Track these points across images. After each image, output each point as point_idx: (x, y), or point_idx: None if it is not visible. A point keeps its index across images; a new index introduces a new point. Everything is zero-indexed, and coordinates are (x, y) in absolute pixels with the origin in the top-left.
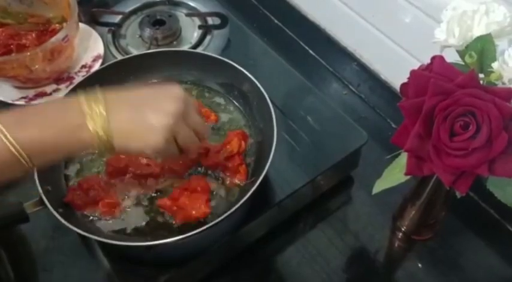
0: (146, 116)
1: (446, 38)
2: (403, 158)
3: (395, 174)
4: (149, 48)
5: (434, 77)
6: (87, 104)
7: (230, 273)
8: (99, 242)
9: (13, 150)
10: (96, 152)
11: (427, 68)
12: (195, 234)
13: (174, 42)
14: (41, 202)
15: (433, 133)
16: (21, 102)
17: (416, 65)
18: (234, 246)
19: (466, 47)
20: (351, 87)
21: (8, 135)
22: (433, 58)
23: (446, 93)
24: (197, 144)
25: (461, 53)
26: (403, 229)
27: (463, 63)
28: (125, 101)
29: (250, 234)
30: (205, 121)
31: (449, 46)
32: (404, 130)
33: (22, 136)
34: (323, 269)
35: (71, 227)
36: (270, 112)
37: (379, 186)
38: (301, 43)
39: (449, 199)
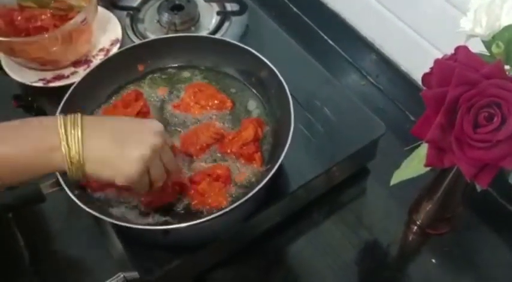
0: (125, 146)
1: (473, 27)
2: (422, 149)
3: (414, 166)
4: (167, 33)
5: (459, 66)
6: (65, 127)
7: (241, 262)
8: (113, 225)
9: None
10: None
11: (451, 58)
12: (207, 220)
13: (192, 28)
14: (58, 183)
15: (456, 124)
16: (40, 84)
17: (437, 56)
18: (246, 234)
19: (493, 37)
20: (369, 78)
21: None
22: (458, 48)
23: (471, 83)
24: (164, 180)
25: (488, 43)
26: (418, 223)
27: (488, 54)
28: (104, 128)
29: (263, 223)
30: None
31: (475, 36)
32: (425, 121)
33: None
34: (335, 262)
35: (86, 209)
36: (288, 100)
37: (397, 177)
38: (320, 32)
39: (468, 193)
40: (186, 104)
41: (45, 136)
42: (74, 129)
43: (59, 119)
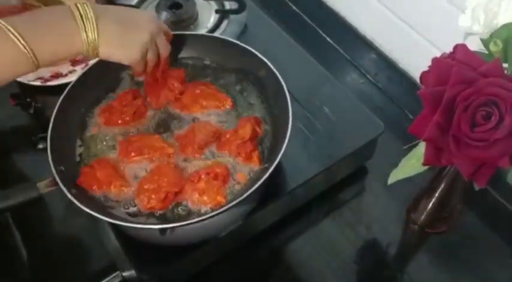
0: (131, 31)
1: (471, 25)
2: (420, 148)
3: (412, 165)
4: None
5: (456, 65)
6: (80, 16)
7: (239, 261)
8: (111, 223)
9: (21, 46)
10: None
11: (450, 56)
12: (205, 219)
13: (191, 26)
14: (54, 182)
15: (453, 123)
16: (37, 82)
17: (436, 55)
18: (244, 233)
19: (491, 35)
20: (368, 76)
21: (16, 34)
22: (456, 46)
23: (468, 82)
24: (156, 61)
25: (486, 41)
26: (416, 221)
27: (486, 52)
28: (111, 17)
29: (261, 222)
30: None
31: (473, 34)
32: (423, 119)
33: (29, 34)
34: (334, 260)
35: (83, 208)
36: (286, 99)
37: (394, 176)
38: (319, 30)
39: (466, 192)
40: (185, 103)
41: (68, 25)
42: (88, 18)
43: (75, 11)
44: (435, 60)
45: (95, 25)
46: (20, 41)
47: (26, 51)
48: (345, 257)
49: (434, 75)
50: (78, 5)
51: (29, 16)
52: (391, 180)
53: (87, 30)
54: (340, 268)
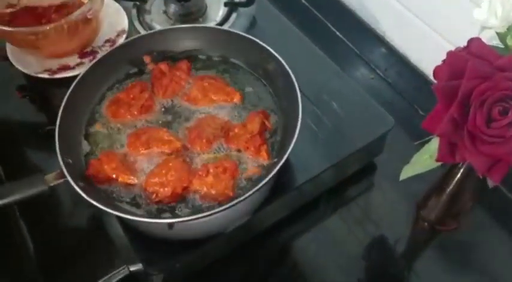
0: None
1: (487, 18)
2: (433, 144)
3: (424, 161)
4: (173, 25)
5: (472, 59)
6: None
7: (246, 257)
8: (118, 217)
9: None
10: None
11: (464, 50)
12: (213, 213)
13: (200, 19)
14: (62, 175)
15: (468, 118)
16: (45, 75)
17: (449, 49)
18: (251, 228)
19: (508, 29)
20: (378, 71)
21: None
22: (471, 40)
23: (484, 76)
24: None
25: (503, 35)
26: (426, 218)
27: (502, 46)
28: None
29: (268, 218)
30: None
31: (489, 28)
32: (436, 114)
33: None
34: (341, 257)
35: (91, 201)
36: (296, 93)
37: (407, 172)
38: (328, 24)
39: (478, 189)
40: (194, 96)
41: None
42: None
43: None
44: (450, 54)
45: None
46: None
47: None
48: (352, 254)
49: (449, 69)
50: None
51: None
52: (403, 176)
53: None
54: (347, 264)
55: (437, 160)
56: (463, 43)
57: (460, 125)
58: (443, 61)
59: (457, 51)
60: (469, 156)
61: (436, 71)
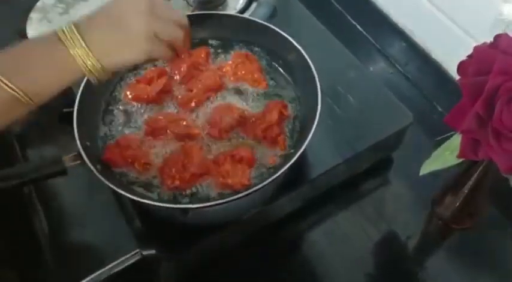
0: (120, 27)
1: None
2: (455, 140)
3: (445, 156)
4: (193, 12)
5: (501, 54)
6: (65, 38)
7: (255, 247)
8: (133, 201)
9: (8, 89)
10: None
11: (491, 46)
12: (227, 201)
13: (219, 7)
14: (80, 157)
15: (494, 115)
16: None
17: (472, 45)
18: (262, 219)
19: None
20: (397, 66)
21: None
22: (498, 36)
23: None
24: (182, 36)
25: None
26: (441, 216)
27: None
28: (95, 23)
29: (280, 210)
30: (257, 85)
31: None
32: (460, 110)
33: (14, 73)
34: (351, 253)
35: (108, 183)
36: (315, 84)
37: (427, 167)
38: (348, 17)
39: (495, 188)
40: (226, 70)
41: (56, 53)
42: (73, 35)
43: (58, 32)
44: (477, 49)
45: (80, 40)
46: (6, 85)
47: (15, 93)
48: (363, 249)
49: (475, 64)
50: (63, 27)
51: (12, 52)
52: (423, 171)
53: (75, 48)
54: (357, 261)
55: (459, 157)
56: (485, 39)
57: (485, 122)
58: (469, 56)
59: (484, 47)
60: (493, 153)
61: (461, 66)
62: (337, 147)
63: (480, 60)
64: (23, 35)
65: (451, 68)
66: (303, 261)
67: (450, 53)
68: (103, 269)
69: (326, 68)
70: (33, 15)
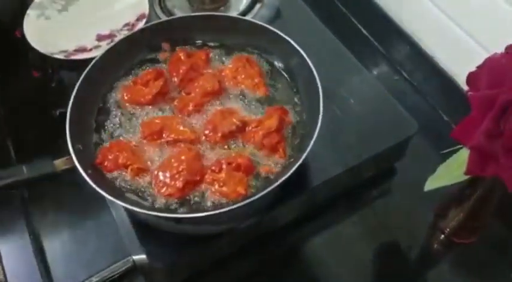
0: None
1: None
2: (462, 155)
3: (452, 172)
4: (195, 12)
5: None
6: None
7: (251, 257)
8: (126, 208)
9: None
10: None
11: (503, 57)
12: (220, 212)
13: (222, 8)
14: (71, 161)
15: (505, 131)
16: (61, 56)
17: (482, 55)
18: (261, 228)
19: None
20: (403, 72)
21: None
22: (510, 47)
23: None
24: None
25: None
26: (443, 230)
27: None
28: None
29: (280, 218)
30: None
31: None
32: (469, 124)
33: None
34: (351, 263)
35: (98, 190)
36: (317, 90)
37: (433, 183)
38: (354, 20)
39: (501, 204)
40: (225, 74)
41: None
42: None
43: None
44: (489, 60)
45: None
46: None
47: None
48: (363, 260)
49: (487, 77)
50: None
51: None
52: (428, 187)
53: None
54: (358, 271)
55: (466, 173)
56: (496, 49)
57: (495, 138)
58: (478, 67)
59: (497, 57)
60: (503, 172)
61: (470, 78)
62: (338, 155)
63: (492, 72)
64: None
65: (459, 77)
66: (302, 271)
67: (459, 61)
68: (94, 276)
69: (329, 73)
70: (31, 12)
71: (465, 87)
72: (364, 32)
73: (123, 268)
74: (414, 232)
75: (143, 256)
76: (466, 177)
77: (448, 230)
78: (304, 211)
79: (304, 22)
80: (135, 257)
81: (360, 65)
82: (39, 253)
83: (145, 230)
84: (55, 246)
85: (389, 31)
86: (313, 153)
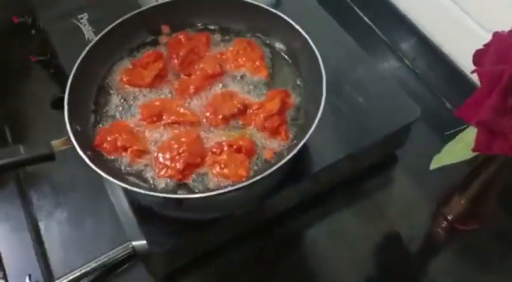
0: None
1: None
2: (468, 133)
3: (457, 151)
4: None
5: None
6: None
7: (251, 242)
8: (126, 192)
9: None
10: None
11: (510, 34)
12: (223, 193)
13: None
14: (70, 141)
15: None
16: None
17: (485, 39)
18: (261, 214)
19: None
20: (405, 60)
21: None
22: None
23: None
24: None
25: None
26: (446, 216)
27: None
28: None
29: (278, 205)
30: (258, 73)
31: None
32: (474, 102)
33: None
34: (350, 252)
35: (97, 170)
36: (320, 72)
37: (438, 161)
38: (355, 8)
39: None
40: (226, 57)
41: None
42: None
43: None
44: (496, 36)
45: None
46: None
47: None
48: (363, 249)
49: (494, 53)
50: None
51: None
52: (434, 165)
53: None
54: (357, 261)
55: (473, 150)
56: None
57: (502, 114)
58: (485, 45)
59: (504, 34)
60: (509, 148)
61: (476, 56)
62: (340, 141)
63: (499, 48)
64: None
65: (462, 63)
66: (301, 258)
67: (462, 46)
68: (93, 262)
69: (331, 59)
70: None
71: (468, 73)
72: (366, 19)
73: (123, 254)
74: (416, 219)
75: (143, 242)
76: (472, 155)
77: (451, 216)
78: (304, 198)
79: (307, 9)
80: (135, 243)
81: (362, 51)
82: (37, 238)
83: (145, 215)
84: (53, 231)
85: (391, 18)
86: (314, 139)
